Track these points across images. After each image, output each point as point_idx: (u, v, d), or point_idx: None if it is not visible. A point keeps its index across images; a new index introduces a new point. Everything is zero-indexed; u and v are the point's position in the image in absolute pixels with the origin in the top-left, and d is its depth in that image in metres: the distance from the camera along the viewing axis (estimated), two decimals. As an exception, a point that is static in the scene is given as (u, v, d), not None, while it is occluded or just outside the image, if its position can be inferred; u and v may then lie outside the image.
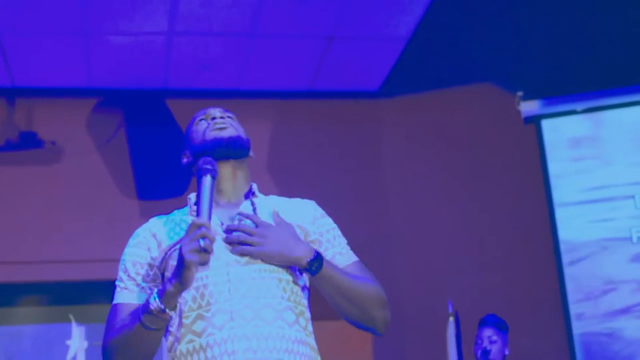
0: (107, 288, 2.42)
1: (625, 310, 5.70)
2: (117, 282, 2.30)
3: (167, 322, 2.13)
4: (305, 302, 2.28)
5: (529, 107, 6.13)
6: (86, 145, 6.23)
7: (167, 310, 2.09)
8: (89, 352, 6.19)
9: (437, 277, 6.17)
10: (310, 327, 2.27)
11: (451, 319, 5.59)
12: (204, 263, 2.06)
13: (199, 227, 2.04)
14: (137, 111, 6.25)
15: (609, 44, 6.03)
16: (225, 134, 2.33)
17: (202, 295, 2.17)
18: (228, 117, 2.42)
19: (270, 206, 2.34)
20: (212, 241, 2.06)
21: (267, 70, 6.07)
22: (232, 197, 2.33)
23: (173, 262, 2.15)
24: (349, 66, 6.26)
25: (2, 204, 6.07)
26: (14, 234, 6.01)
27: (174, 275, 2.09)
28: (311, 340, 2.25)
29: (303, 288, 2.29)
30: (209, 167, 2.19)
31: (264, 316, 2.15)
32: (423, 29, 5.87)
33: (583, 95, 6.07)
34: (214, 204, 2.20)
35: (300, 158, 6.28)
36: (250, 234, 2.19)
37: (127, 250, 2.32)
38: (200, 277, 2.17)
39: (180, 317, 2.20)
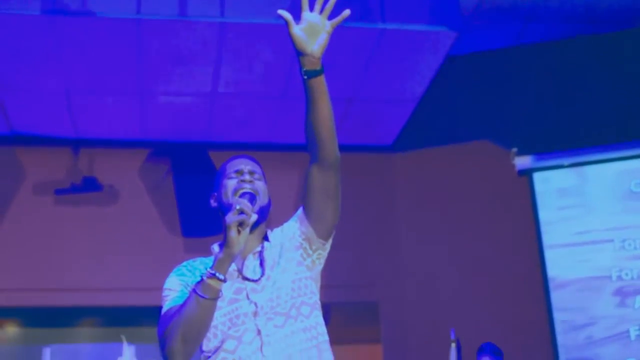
0: (155, 312, 2.51)
1: (604, 340, 5.91)
2: (164, 297, 2.43)
3: (218, 293, 2.25)
4: (314, 289, 2.48)
5: (522, 161, 6.37)
6: (139, 189, 6.58)
7: (218, 275, 2.23)
8: (138, 368, 6.46)
9: (442, 309, 6.43)
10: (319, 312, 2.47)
11: (453, 345, 5.66)
12: (242, 223, 2.25)
13: (241, 203, 2.30)
14: (184, 160, 6.53)
15: (592, 108, 6.35)
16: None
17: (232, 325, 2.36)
18: (256, 179, 2.54)
19: (275, 239, 2.53)
20: (250, 210, 2.28)
21: (295, 127, 5.62)
22: (253, 247, 2.48)
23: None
24: (366, 124, 6.53)
25: (68, 239, 6.40)
26: (75, 264, 6.35)
27: (222, 244, 2.31)
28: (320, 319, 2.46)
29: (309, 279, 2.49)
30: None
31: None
32: (431, 93, 6.21)
33: (570, 152, 6.28)
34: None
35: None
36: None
37: (170, 275, 2.50)
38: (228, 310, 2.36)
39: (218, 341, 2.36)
